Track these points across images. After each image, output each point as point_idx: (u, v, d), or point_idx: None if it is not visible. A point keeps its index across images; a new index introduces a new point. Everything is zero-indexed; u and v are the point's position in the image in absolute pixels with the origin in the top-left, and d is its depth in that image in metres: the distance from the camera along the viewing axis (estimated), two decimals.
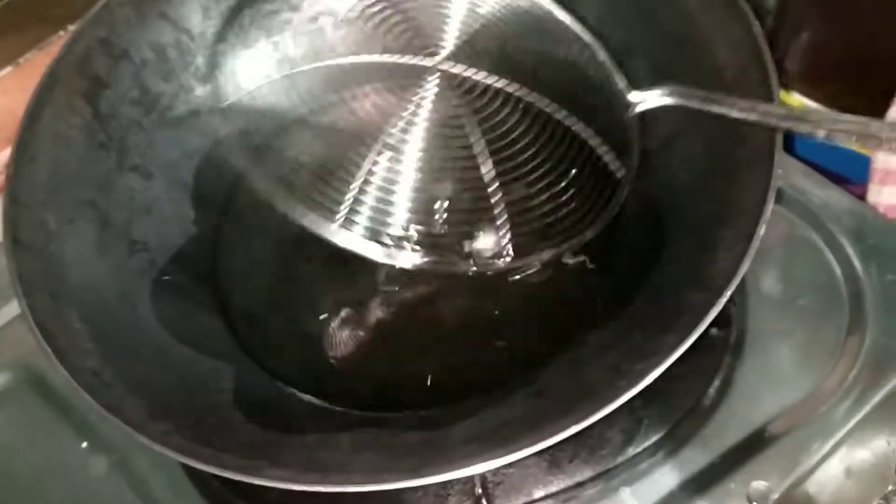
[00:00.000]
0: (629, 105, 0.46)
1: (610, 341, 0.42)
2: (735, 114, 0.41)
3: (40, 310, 0.39)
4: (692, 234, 0.42)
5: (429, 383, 0.45)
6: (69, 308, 0.41)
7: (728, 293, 0.35)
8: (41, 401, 0.53)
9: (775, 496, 0.43)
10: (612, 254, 0.47)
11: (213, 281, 0.49)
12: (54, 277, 0.42)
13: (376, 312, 0.48)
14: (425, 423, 0.42)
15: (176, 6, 0.51)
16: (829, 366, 0.46)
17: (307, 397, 0.44)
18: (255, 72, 0.54)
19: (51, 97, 0.46)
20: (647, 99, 0.46)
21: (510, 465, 0.43)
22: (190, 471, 0.49)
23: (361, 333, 0.47)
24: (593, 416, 0.34)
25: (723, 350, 0.46)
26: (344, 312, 0.48)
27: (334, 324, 0.48)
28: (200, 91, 0.53)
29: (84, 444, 0.51)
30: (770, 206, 0.37)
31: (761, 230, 0.36)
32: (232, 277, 0.50)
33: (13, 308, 0.56)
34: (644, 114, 0.48)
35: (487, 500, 0.43)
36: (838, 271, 0.49)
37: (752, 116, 0.40)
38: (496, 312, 0.47)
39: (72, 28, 0.66)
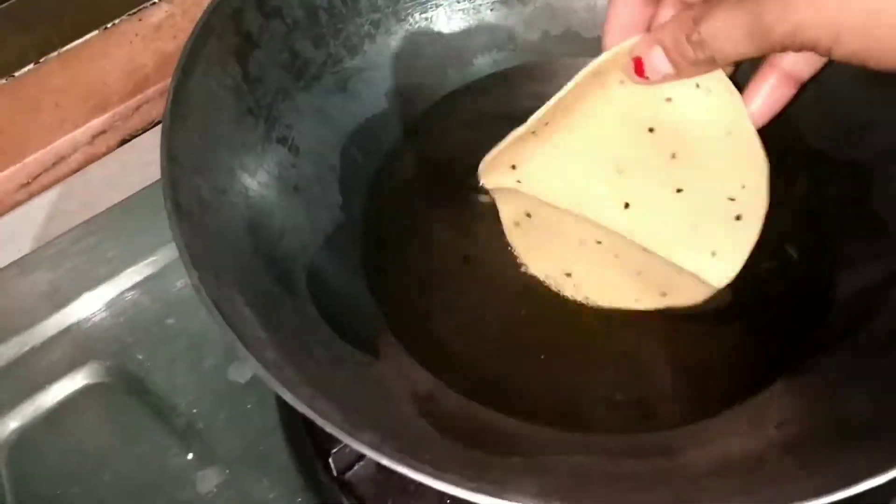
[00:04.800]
0: None
1: (854, 367, 0.37)
2: None
3: (211, 288, 0.33)
4: None
5: (629, 403, 0.39)
6: (233, 290, 0.35)
7: None
8: (137, 403, 0.47)
9: None
10: (828, 274, 0.42)
11: (367, 274, 0.43)
12: (214, 253, 0.35)
13: (562, 316, 0.42)
14: (640, 449, 0.36)
15: None
16: None
17: (492, 413, 0.38)
18: (406, 47, 0.49)
19: (204, 50, 0.40)
20: None
21: None
22: (319, 493, 0.42)
23: (547, 341, 0.41)
24: None
25: None
26: (524, 312, 0.42)
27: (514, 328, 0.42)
28: (349, 62, 0.47)
29: (190, 456, 0.45)
30: None
31: None
32: (385, 272, 0.43)
33: (95, 299, 0.50)
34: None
35: None
36: None
37: None
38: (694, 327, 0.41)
39: None
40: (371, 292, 0.42)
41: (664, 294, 0.40)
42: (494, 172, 0.43)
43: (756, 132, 0.38)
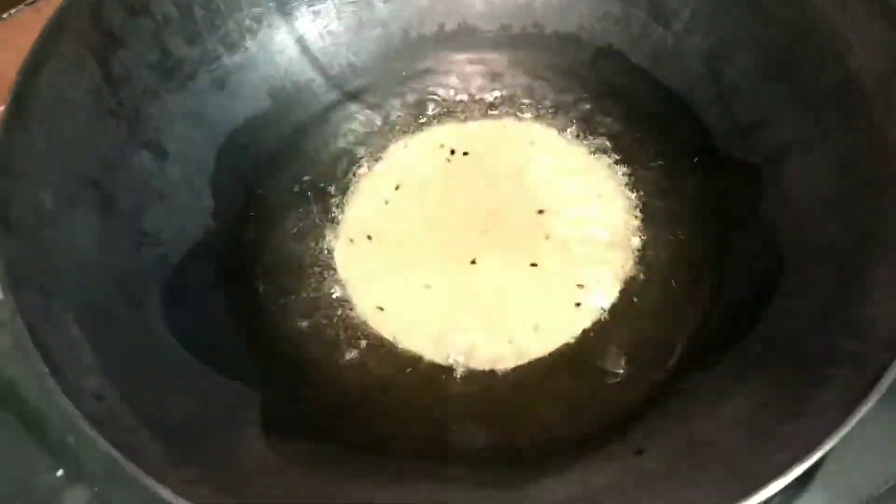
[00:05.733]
0: None
1: (723, 388, 0.35)
2: None
3: (30, 310, 0.31)
4: (824, 266, 0.35)
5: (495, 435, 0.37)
6: (65, 310, 0.33)
7: None
8: (9, 417, 0.45)
9: None
10: (710, 279, 0.40)
11: (234, 285, 0.41)
12: (48, 270, 0.34)
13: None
14: (495, 480, 0.34)
15: None
16: None
17: (346, 440, 0.36)
18: (290, 43, 0.46)
19: (55, 50, 0.38)
20: None
21: None
22: None
23: (414, 363, 0.40)
24: (764, 487, 0.26)
25: None
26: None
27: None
28: (228, 60, 0.45)
29: (60, 473, 0.43)
30: None
31: None
32: (254, 283, 0.42)
33: None
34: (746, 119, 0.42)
35: None
36: None
37: None
38: (573, 343, 0.40)
39: None
40: (230, 308, 0.40)
41: (469, 354, 0.39)
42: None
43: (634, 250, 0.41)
